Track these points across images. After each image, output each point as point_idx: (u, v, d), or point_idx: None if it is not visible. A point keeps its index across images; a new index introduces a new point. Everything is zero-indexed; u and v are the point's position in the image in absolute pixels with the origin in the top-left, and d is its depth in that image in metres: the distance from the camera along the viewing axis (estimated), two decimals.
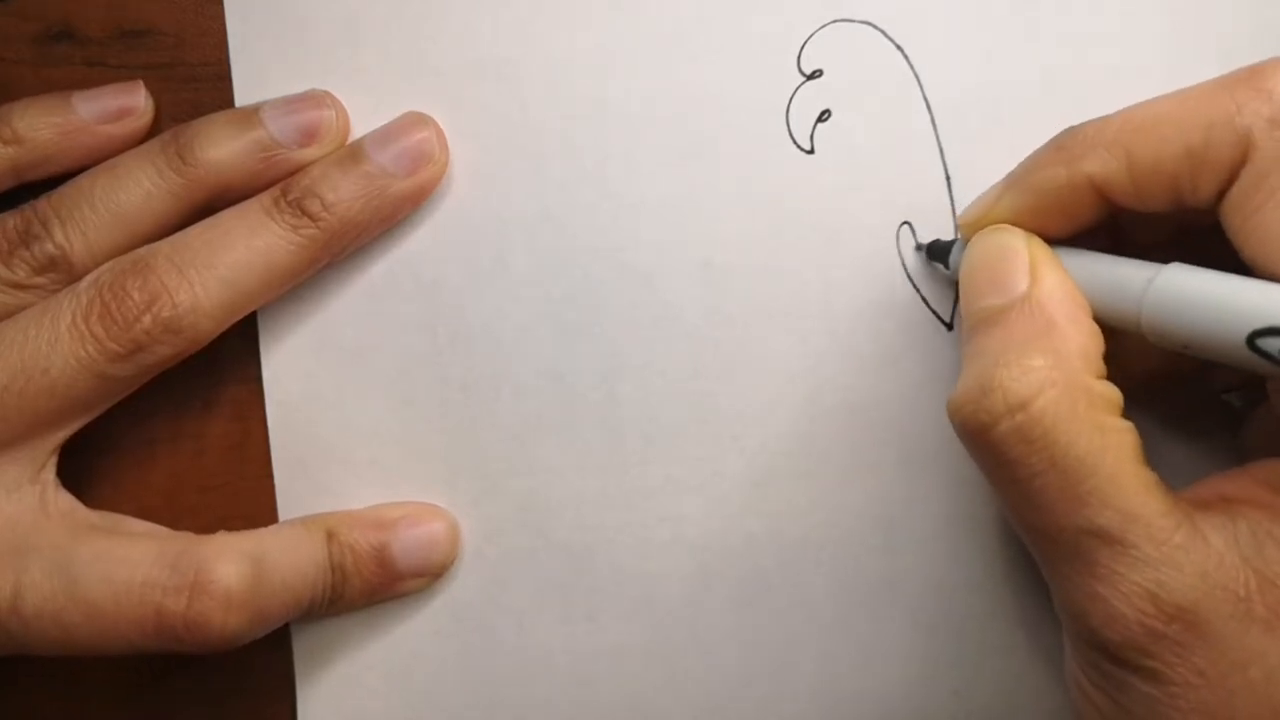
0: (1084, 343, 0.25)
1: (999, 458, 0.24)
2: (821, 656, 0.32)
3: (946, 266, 0.30)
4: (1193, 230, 0.26)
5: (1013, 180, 0.28)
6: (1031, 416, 0.24)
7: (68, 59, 0.32)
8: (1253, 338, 0.22)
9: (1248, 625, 0.22)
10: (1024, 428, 0.24)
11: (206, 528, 0.31)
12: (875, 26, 0.31)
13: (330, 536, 0.30)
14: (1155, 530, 0.23)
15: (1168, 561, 0.23)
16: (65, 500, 0.30)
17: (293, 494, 0.32)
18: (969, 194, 0.31)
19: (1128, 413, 0.25)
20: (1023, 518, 0.25)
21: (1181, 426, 0.31)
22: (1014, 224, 0.28)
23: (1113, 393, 0.25)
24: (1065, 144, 0.26)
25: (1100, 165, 0.26)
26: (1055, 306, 0.25)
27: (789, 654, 0.32)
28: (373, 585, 0.31)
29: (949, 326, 0.32)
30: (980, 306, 0.26)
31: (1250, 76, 0.24)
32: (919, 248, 0.31)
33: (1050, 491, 0.24)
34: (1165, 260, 0.25)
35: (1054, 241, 0.27)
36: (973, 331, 0.26)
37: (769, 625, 0.32)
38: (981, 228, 0.28)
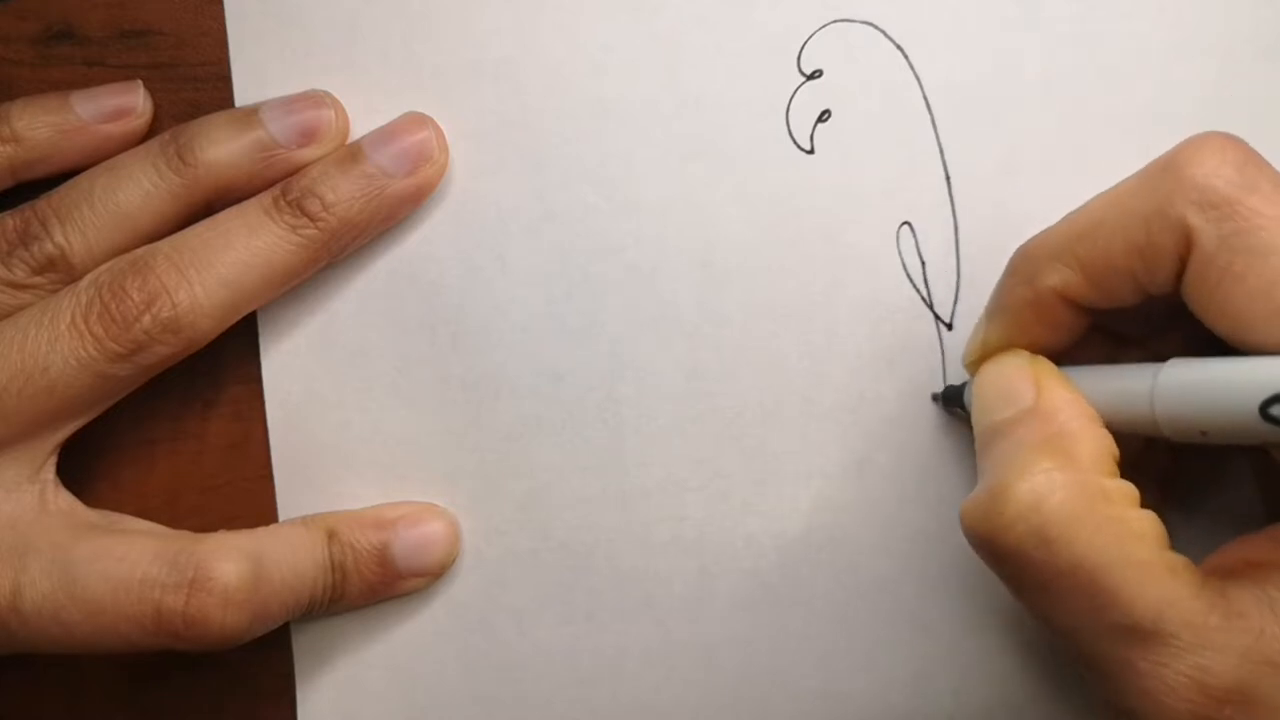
0: (1094, 447, 0.25)
1: (1018, 564, 0.24)
2: (821, 656, 0.32)
3: (964, 408, 0.30)
4: (1181, 309, 0.26)
5: (989, 311, 0.28)
6: (1046, 518, 0.24)
7: (68, 59, 0.32)
8: (1265, 408, 0.22)
9: None
10: (1040, 530, 0.24)
11: (207, 527, 0.31)
12: (875, 26, 0.31)
13: (331, 536, 0.30)
14: (1190, 615, 0.23)
15: (1208, 645, 0.22)
16: (65, 499, 0.30)
17: (293, 494, 0.32)
18: (969, 194, 0.31)
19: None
20: (1052, 622, 0.24)
21: (1195, 490, 0.31)
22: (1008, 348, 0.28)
23: (1128, 488, 0.25)
24: (1019, 266, 0.27)
25: (1058, 277, 0.26)
26: (1063, 414, 0.25)
27: (789, 654, 0.32)
28: (373, 585, 0.31)
29: (949, 326, 0.32)
30: (990, 421, 0.27)
31: (1169, 165, 0.24)
32: (935, 398, 0.32)
33: (1077, 592, 0.23)
34: (1165, 351, 0.25)
35: (1056, 360, 0.27)
36: (984, 446, 0.27)
37: (769, 625, 0.32)
38: (982, 362, 0.28)
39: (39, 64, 0.32)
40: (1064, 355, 0.28)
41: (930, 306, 0.32)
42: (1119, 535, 0.23)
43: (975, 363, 0.29)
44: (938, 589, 0.32)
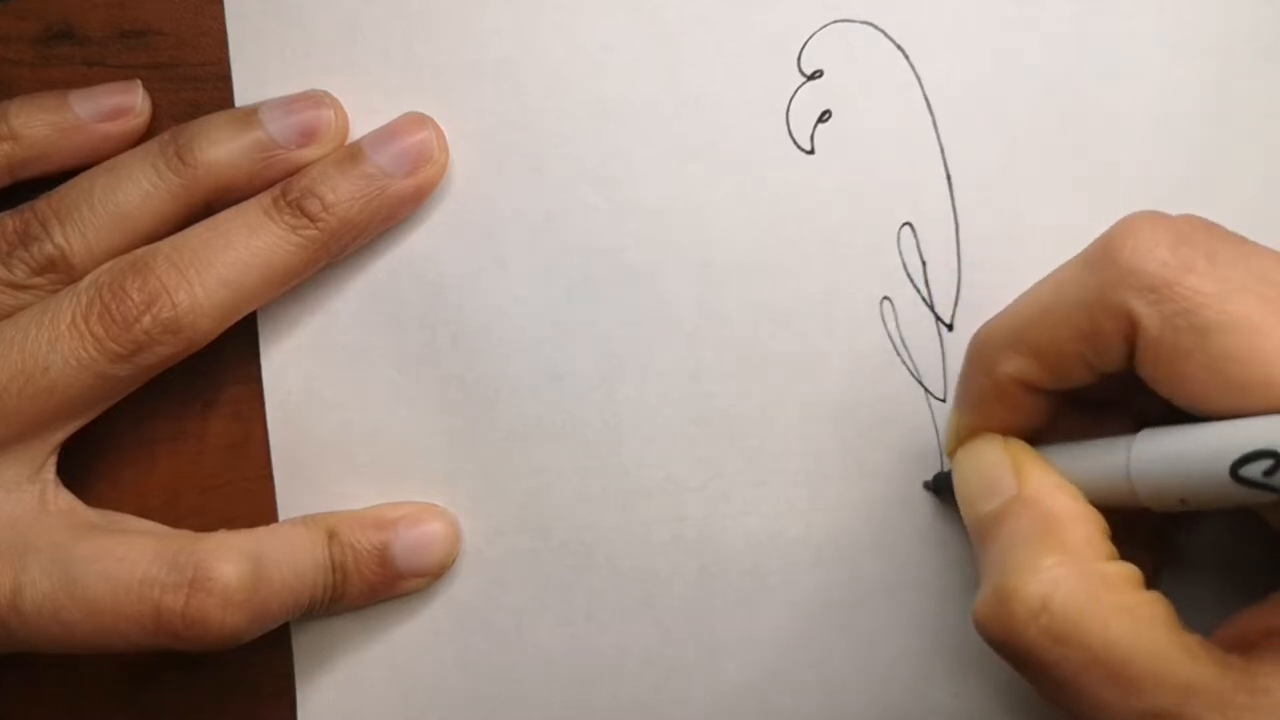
0: (1086, 530, 0.25)
1: (1037, 663, 0.24)
2: (821, 656, 0.32)
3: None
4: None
5: (956, 399, 0.29)
6: (1055, 616, 0.24)
7: (68, 59, 0.32)
8: (1235, 469, 0.23)
9: None
10: (1051, 628, 0.24)
11: (206, 527, 0.31)
12: (876, 27, 0.31)
13: (331, 536, 0.30)
14: (1215, 697, 0.23)
15: None
16: (65, 499, 0.30)
17: (292, 494, 0.32)
18: (970, 194, 0.31)
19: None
20: (1078, 714, 0.24)
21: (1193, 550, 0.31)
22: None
23: (1129, 571, 0.25)
24: (976, 355, 0.28)
25: (1014, 366, 0.26)
26: (1047, 499, 0.26)
27: (788, 654, 0.32)
28: (373, 585, 0.31)
29: (949, 327, 0.32)
30: (977, 515, 0.27)
31: (1105, 250, 0.24)
32: (926, 486, 0.32)
33: (1097, 686, 0.23)
34: (1147, 409, 0.25)
35: (1034, 438, 0.28)
36: (979, 542, 0.27)
37: (768, 625, 0.32)
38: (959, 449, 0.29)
39: (39, 64, 0.32)
40: (1043, 431, 0.28)
41: (931, 307, 0.32)
42: (1131, 625, 0.23)
43: (953, 451, 0.29)
44: (937, 589, 0.32)
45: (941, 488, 0.31)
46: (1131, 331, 0.24)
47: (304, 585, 0.30)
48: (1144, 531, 0.28)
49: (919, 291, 0.32)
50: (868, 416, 0.32)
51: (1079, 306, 0.25)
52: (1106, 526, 0.26)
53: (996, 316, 0.27)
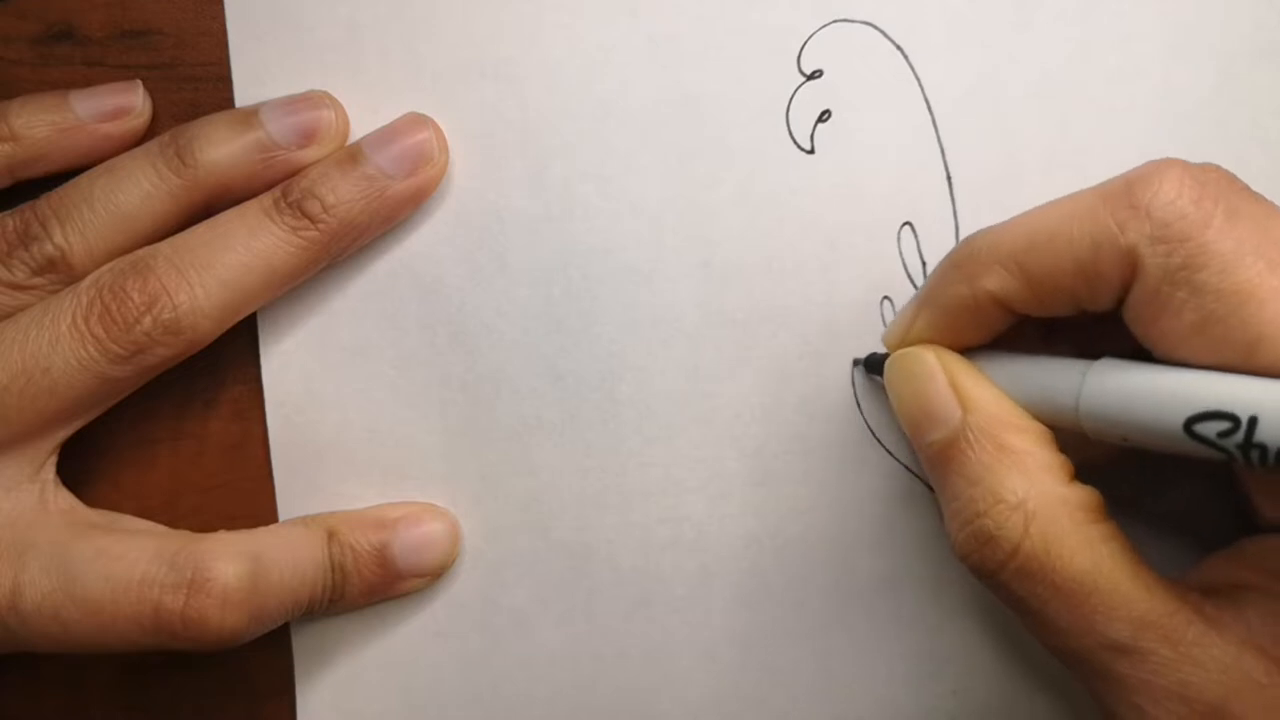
0: (1041, 455, 0.25)
1: (1010, 596, 0.25)
2: (821, 656, 0.32)
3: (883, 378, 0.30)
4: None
5: (922, 300, 0.28)
6: (1025, 555, 0.25)
7: (68, 59, 0.32)
8: (1189, 424, 0.23)
9: (1276, 711, 0.23)
10: (1023, 567, 0.25)
11: (206, 527, 0.31)
12: (875, 27, 0.31)
13: (331, 536, 0.30)
14: (1168, 632, 0.23)
15: (1187, 660, 0.23)
16: (64, 499, 0.30)
17: (292, 494, 0.32)
18: (970, 194, 0.31)
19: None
20: (1047, 643, 0.25)
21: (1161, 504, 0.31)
22: (933, 341, 0.28)
23: (1090, 496, 0.25)
24: (962, 262, 0.27)
25: (999, 283, 0.26)
26: (996, 426, 0.26)
27: (789, 654, 0.32)
28: (373, 585, 0.31)
29: None
30: (926, 444, 0.27)
31: (1128, 190, 0.24)
32: (857, 363, 0.32)
33: (1062, 616, 0.24)
34: (1097, 342, 0.25)
35: (977, 348, 0.28)
36: (931, 470, 0.27)
37: (768, 625, 0.32)
38: (903, 347, 0.29)
39: (39, 64, 0.32)
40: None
41: None
42: (1093, 558, 0.24)
43: (894, 346, 0.29)
44: (937, 589, 0.32)
45: (873, 368, 0.31)
46: (1130, 276, 0.24)
47: (303, 586, 0.30)
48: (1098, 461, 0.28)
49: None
50: (867, 417, 0.32)
51: (1085, 240, 0.24)
52: (1054, 438, 0.26)
53: (992, 228, 0.27)
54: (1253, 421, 0.22)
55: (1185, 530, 0.30)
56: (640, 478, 0.32)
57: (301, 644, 0.33)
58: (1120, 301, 0.25)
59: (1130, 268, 0.24)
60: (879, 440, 0.32)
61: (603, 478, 0.32)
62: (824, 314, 0.32)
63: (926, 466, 0.27)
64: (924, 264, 0.32)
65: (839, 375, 0.32)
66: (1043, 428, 0.26)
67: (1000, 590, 0.25)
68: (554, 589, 0.32)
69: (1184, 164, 0.24)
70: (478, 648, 0.32)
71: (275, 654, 0.32)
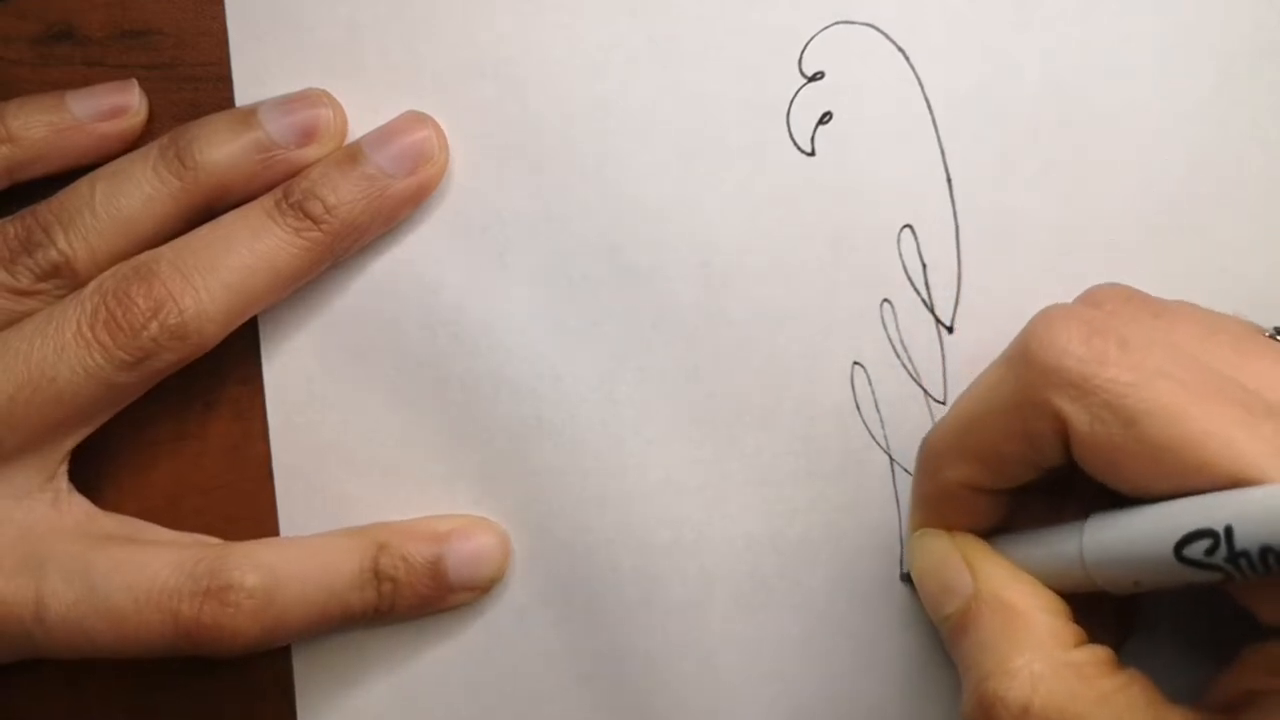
0: (1050, 620, 0.26)
1: None
2: (821, 657, 0.32)
3: None
4: None
5: (912, 503, 0.30)
6: (1037, 715, 0.24)
7: (68, 59, 0.32)
8: (1178, 551, 0.23)
9: None
10: None
11: (208, 528, 0.31)
12: (877, 28, 0.31)
13: (382, 549, 0.30)
14: None
15: None
16: (79, 505, 0.30)
17: (293, 494, 0.32)
18: (970, 196, 0.31)
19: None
20: None
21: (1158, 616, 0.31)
22: None
23: (1101, 654, 0.25)
24: (924, 463, 0.28)
25: (958, 471, 0.27)
26: (1005, 593, 0.26)
27: (789, 655, 0.32)
28: (425, 598, 0.31)
29: (949, 329, 0.32)
30: (943, 618, 0.28)
31: (1024, 351, 0.25)
32: (904, 579, 0.32)
33: None
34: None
35: (998, 532, 0.28)
36: (950, 643, 0.27)
37: (769, 626, 0.32)
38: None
39: (39, 64, 0.32)
40: (1005, 525, 0.28)
41: (931, 309, 0.32)
42: (1112, 712, 0.24)
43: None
44: None
45: (907, 578, 0.32)
46: (1063, 428, 0.24)
47: (331, 599, 0.30)
48: (1107, 606, 0.28)
49: (919, 294, 0.32)
50: (867, 417, 0.32)
51: (1009, 409, 0.25)
52: (1068, 609, 0.26)
53: (940, 423, 0.28)
54: (1229, 531, 0.22)
55: (1190, 649, 0.30)
56: (640, 479, 0.32)
57: (301, 644, 0.33)
58: (1068, 453, 0.25)
59: (1058, 421, 0.24)
60: (878, 442, 0.32)
61: (602, 478, 0.32)
62: (824, 315, 0.32)
63: (947, 644, 0.28)
64: (924, 266, 0.32)
65: (839, 376, 0.32)
66: (1053, 596, 0.26)
67: None
68: (554, 590, 0.32)
69: (1065, 309, 0.25)
70: (478, 648, 0.32)
71: (275, 654, 0.32)
